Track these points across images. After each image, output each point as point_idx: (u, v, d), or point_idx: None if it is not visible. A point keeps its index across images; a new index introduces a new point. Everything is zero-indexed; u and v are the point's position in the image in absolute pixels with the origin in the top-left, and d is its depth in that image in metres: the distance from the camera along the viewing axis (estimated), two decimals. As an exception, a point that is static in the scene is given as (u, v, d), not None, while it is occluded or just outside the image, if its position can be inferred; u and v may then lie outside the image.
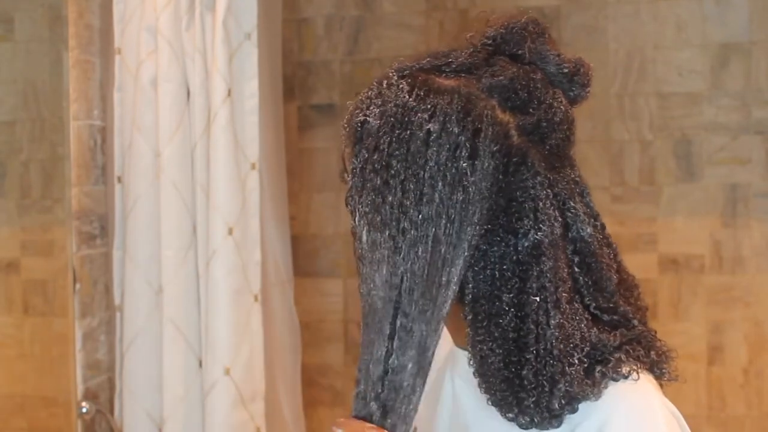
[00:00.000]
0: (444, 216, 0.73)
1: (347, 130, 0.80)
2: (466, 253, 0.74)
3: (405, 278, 0.73)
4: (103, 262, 1.87)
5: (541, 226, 0.75)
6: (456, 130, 0.74)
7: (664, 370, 0.79)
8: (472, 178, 0.73)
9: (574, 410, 0.73)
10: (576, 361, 0.73)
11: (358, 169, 0.77)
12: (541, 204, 0.76)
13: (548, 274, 0.74)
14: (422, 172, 0.73)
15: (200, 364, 1.77)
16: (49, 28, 1.79)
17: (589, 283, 0.78)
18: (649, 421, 0.73)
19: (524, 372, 0.73)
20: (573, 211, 0.78)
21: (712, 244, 2.41)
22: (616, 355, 0.75)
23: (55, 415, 1.79)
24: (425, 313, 0.73)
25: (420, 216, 0.73)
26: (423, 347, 0.74)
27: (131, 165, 1.79)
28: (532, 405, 0.73)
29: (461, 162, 0.73)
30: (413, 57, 0.82)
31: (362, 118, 0.78)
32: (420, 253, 0.73)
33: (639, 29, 2.44)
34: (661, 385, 0.79)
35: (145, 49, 1.77)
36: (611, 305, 0.78)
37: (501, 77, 0.77)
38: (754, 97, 2.39)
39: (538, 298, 0.74)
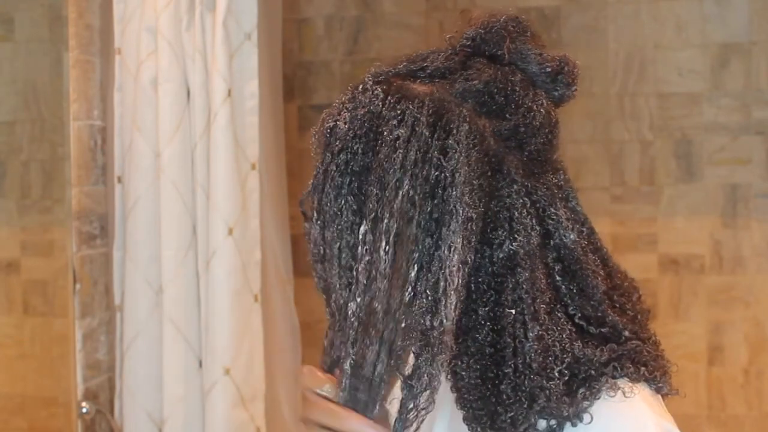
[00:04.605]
0: (409, 218, 0.70)
1: (317, 137, 0.78)
2: (446, 255, 0.71)
3: (365, 282, 0.71)
4: (103, 262, 1.87)
5: (516, 236, 0.73)
6: (426, 132, 0.71)
7: (660, 385, 0.76)
8: (446, 179, 0.70)
9: None
10: (556, 375, 0.71)
11: (321, 171, 0.75)
12: (516, 213, 0.73)
13: (524, 285, 0.72)
14: (388, 176, 0.71)
15: (200, 364, 1.77)
16: (49, 28, 1.79)
17: (574, 291, 0.75)
18: None
19: (502, 387, 0.71)
20: (554, 218, 0.76)
21: (712, 244, 2.41)
22: (602, 377, 0.72)
23: (55, 415, 1.79)
24: (393, 321, 0.71)
25: (384, 221, 0.70)
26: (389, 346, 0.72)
27: (131, 165, 1.79)
28: (509, 421, 0.71)
29: (432, 166, 0.71)
30: (391, 61, 0.79)
31: (332, 124, 0.76)
32: (381, 255, 0.70)
33: (639, 29, 2.44)
34: (663, 396, 0.76)
35: (145, 49, 1.76)
36: (599, 314, 0.76)
37: (475, 81, 0.74)
38: (754, 97, 2.39)
39: (514, 311, 0.72)
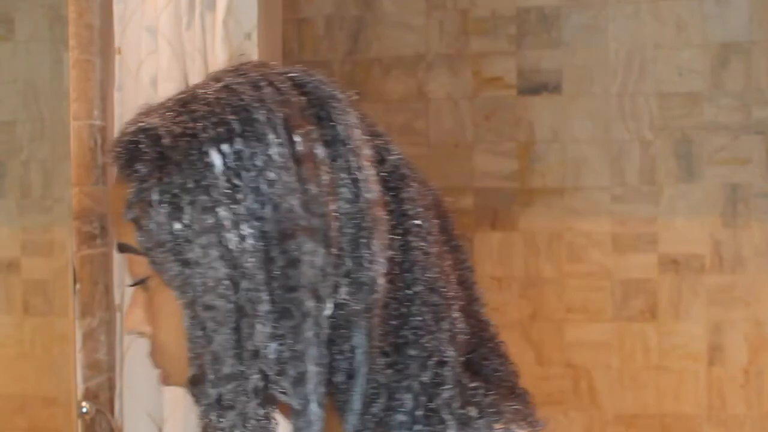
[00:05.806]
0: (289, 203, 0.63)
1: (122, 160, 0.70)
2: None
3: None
4: (103, 262, 1.87)
5: None
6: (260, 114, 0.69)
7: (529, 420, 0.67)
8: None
9: None
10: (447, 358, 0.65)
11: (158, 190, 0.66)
12: None
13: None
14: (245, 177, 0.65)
15: (200, 364, 1.77)
16: (49, 28, 1.79)
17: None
18: None
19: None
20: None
21: (713, 244, 2.41)
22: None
23: (55, 415, 1.79)
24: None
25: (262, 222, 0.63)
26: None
27: (131, 165, 1.78)
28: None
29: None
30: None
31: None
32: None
33: (639, 29, 2.44)
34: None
35: (146, 49, 1.77)
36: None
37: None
38: (754, 97, 2.39)
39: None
